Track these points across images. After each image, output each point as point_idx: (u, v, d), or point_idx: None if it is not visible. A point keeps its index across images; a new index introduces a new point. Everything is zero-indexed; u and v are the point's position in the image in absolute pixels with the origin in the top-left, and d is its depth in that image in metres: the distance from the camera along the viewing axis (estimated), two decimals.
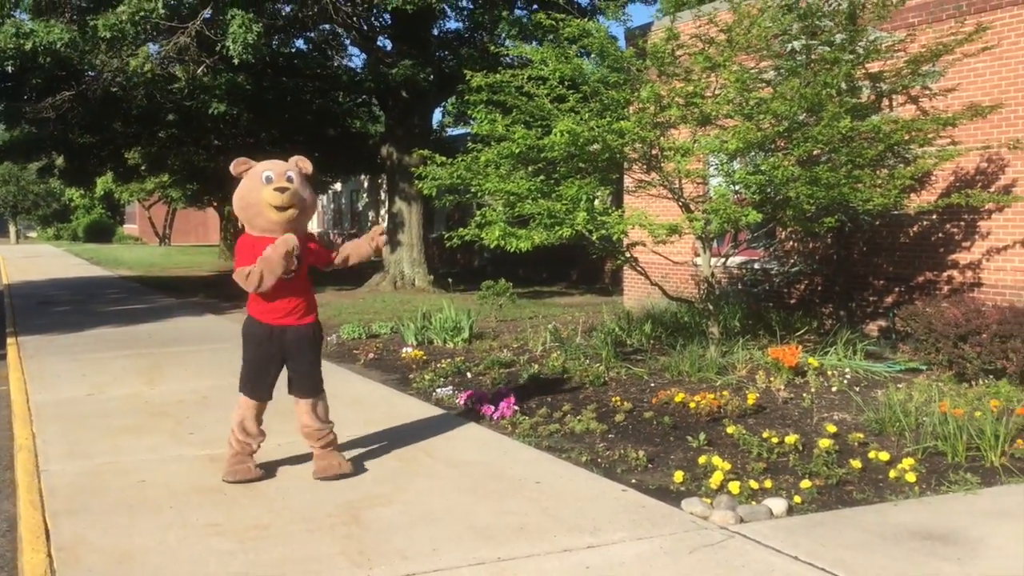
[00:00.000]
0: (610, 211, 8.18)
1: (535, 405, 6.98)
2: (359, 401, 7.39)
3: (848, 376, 7.94)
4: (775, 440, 5.67)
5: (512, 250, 7.66)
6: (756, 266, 12.34)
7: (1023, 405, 6.33)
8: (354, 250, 5.50)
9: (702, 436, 5.90)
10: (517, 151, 7.84)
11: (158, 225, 55.59)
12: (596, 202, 7.93)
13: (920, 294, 10.32)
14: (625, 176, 9.90)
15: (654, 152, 8.53)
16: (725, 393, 6.90)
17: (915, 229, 10.72)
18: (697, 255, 11.94)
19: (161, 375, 8.82)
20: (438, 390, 7.72)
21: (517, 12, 18.30)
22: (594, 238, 7.88)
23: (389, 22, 19.29)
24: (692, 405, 6.62)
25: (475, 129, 8.38)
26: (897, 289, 10.94)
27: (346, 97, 22.20)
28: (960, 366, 7.75)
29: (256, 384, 5.16)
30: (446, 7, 17.97)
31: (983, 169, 10.01)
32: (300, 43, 20.70)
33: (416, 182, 9.29)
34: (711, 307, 9.00)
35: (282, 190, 4.92)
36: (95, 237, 58.34)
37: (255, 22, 13.09)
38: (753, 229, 9.28)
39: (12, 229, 66.77)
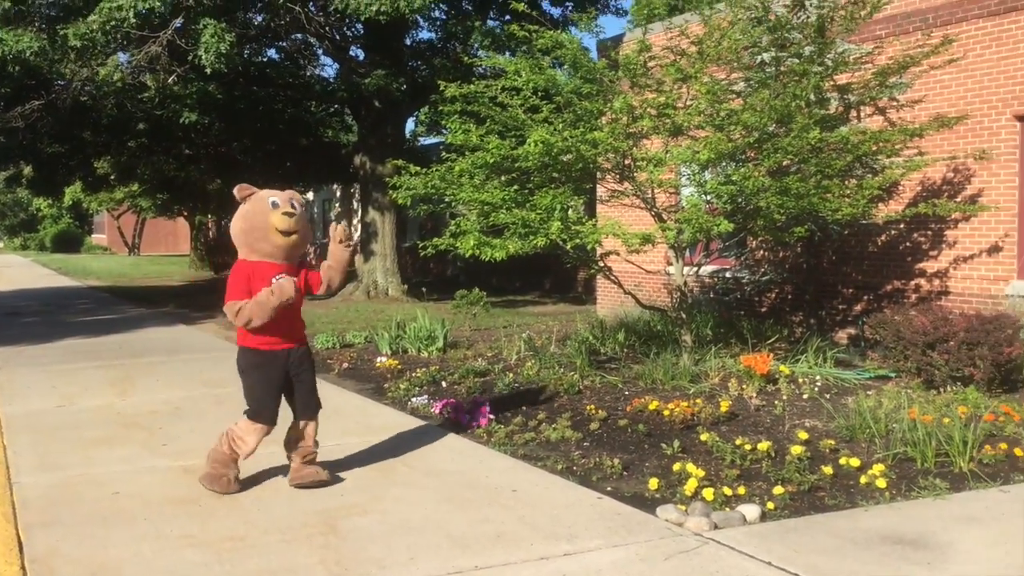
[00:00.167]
0: (584, 221, 8.23)
1: (510, 414, 7.01)
2: (335, 411, 7.35)
3: (819, 383, 8.04)
4: (748, 447, 5.74)
5: (487, 259, 7.69)
6: (727, 275, 12.45)
7: (991, 411, 6.44)
8: (333, 267, 5.36)
9: (676, 444, 5.95)
10: (491, 161, 7.88)
11: (127, 235, 55.13)
12: (570, 212, 7.97)
13: (888, 302, 10.47)
14: (598, 186, 9.97)
15: (627, 162, 8.60)
16: (698, 401, 6.96)
17: (883, 238, 10.87)
18: (670, 264, 12.04)
19: (132, 386, 8.76)
20: (413, 399, 7.73)
21: (490, 23, 18.38)
22: (568, 247, 7.93)
23: (361, 32, 19.30)
24: (666, 413, 6.68)
25: (449, 139, 8.41)
26: (866, 297, 11.09)
27: (318, 106, 22.17)
28: (928, 373, 7.87)
29: (266, 409, 5.13)
30: (419, 18, 18.02)
31: (949, 179, 10.18)
32: (272, 53, 20.70)
33: (390, 192, 9.30)
34: (684, 316, 9.07)
35: (290, 215, 5.00)
36: (63, 247, 57.70)
37: (227, 32, 13.06)
38: (725, 238, 9.36)
39: None
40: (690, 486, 5.04)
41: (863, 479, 5.25)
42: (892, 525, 4.57)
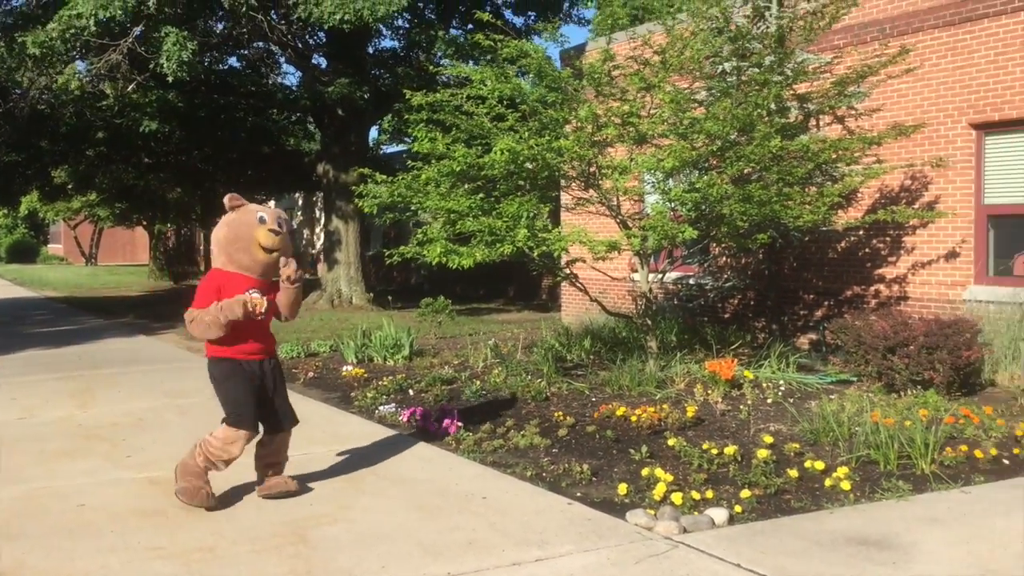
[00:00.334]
0: (550, 228, 8.28)
1: (478, 421, 7.01)
2: (302, 420, 7.15)
3: (782, 388, 8.14)
4: (715, 451, 5.80)
5: (455, 267, 7.71)
6: (691, 281, 12.57)
7: (951, 414, 6.56)
8: (281, 301, 5.20)
9: (644, 449, 6.00)
10: (458, 169, 7.90)
11: (84, 245, 54.34)
12: (537, 220, 8.02)
13: (849, 308, 10.63)
14: (563, 193, 10.02)
15: (592, 170, 8.67)
16: (665, 406, 7.01)
17: (843, 245, 11.04)
18: (634, 271, 12.12)
19: (93, 398, 8.64)
20: (381, 408, 7.71)
21: (452, 32, 18.43)
22: (535, 255, 7.97)
23: (324, 40, 19.25)
24: (633, 419, 6.72)
25: (416, 147, 8.41)
26: (827, 303, 11.25)
27: (281, 115, 22.06)
28: (889, 377, 8.00)
29: (249, 414, 5.01)
30: (381, 27, 18.00)
31: (907, 187, 10.36)
32: (233, 61, 20.57)
33: (356, 200, 9.28)
34: (649, 322, 9.14)
35: (276, 233, 4.97)
36: (18, 257, 56.73)
37: (189, 40, 12.96)
38: (688, 245, 9.47)
39: None
40: (659, 491, 5.08)
41: (828, 482, 5.33)
42: (857, 527, 4.64)
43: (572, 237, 7.81)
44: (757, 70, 9.14)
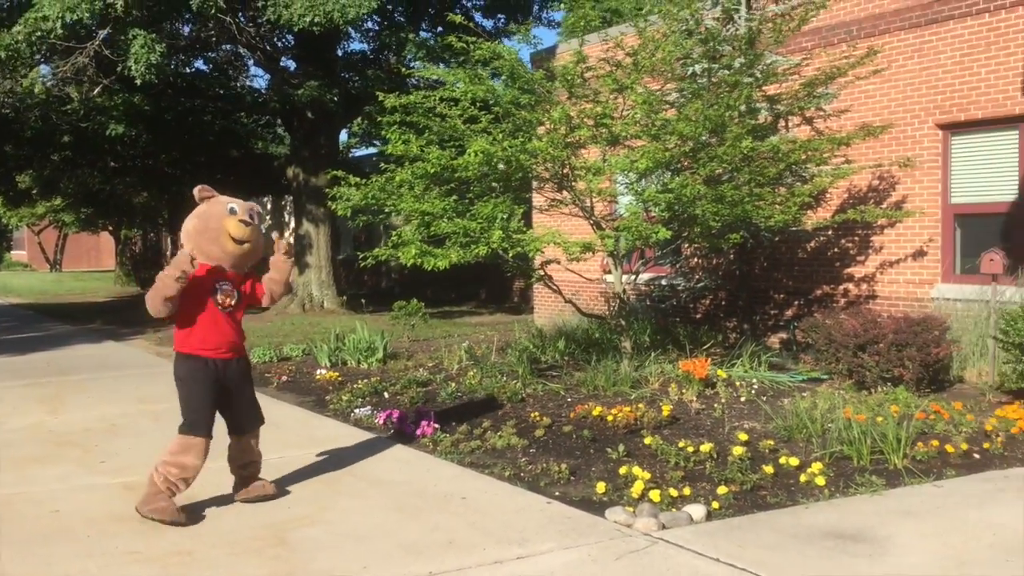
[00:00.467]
0: (524, 230, 8.30)
1: (455, 423, 7.01)
2: (276, 424, 7.25)
3: (755, 386, 8.21)
4: (691, 449, 5.84)
5: (430, 268, 7.71)
6: (663, 282, 12.64)
7: (921, 410, 6.65)
8: (275, 279, 5.30)
9: (621, 448, 6.03)
10: (432, 171, 7.90)
11: (48, 251, 53.63)
12: (512, 222, 8.03)
13: (818, 307, 10.74)
14: (536, 195, 10.05)
15: (565, 171, 8.70)
16: (640, 406, 7.05)
17: (812, 245, 11.16)
18: (607, 272, 12.17)
19: (63, 404, 8.54)
20: (356, 411, 7.69)
21: (422, 34, 18.42)
22: (510, 256, 7.99)
23: (292, 43, 19.17)
24: (610, 418, 6.76)
25: (390, 149, 8.40)
26: (797, 302, 11.36)
27: (249, 118, 21.92)
28: (859, 375, 8.10)
29: (204, 420, 4.91)
30: (351, 29, 17.95)
31: (875, 186, 10.50)
32: (200, 64, 20.42)
33: (330, 203, 9.25)
34: (623, 323, 9.19)
35: (246, 223, 4.92)
36: None
37: (158, 42, 12.85)
38: (661, 246, 9.53)
39: None
40: (637, 488, 5.11)
41: (803, 477, 5.39)
42: (832, 521, 4.69)
43: (546, 238, 7.83)
44: (727, 72, 9.23)
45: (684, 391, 7.79)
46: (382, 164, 9.18)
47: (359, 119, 22.61)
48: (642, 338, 9.98)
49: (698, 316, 12.38)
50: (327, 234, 19.42)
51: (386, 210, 8.59)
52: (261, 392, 8.80)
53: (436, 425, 6.77)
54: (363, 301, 17.85)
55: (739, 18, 9.82)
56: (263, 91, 20.25)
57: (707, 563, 4.10)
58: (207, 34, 16.81)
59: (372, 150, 32.34)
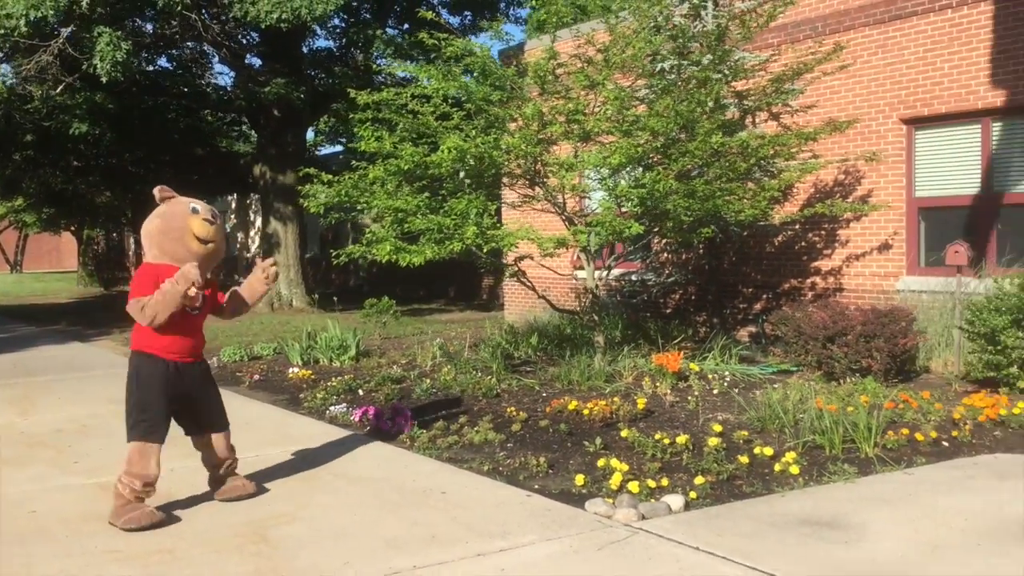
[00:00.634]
0: (498, 226, 8.33)
1: (431, 419, 7.03)
2: (250, 423, 7.26)
3: (727, 379, 8.31)
4: (667, 441, 5.90)
5: (405, 264, 7.71)
6: (634, 278, 12.72)
7: (891, 400, 6.76)
8: (245, 300, 5.26)
9: (598, 441, 6.08)
10: (406, 168, 7.90)
11: (8, 252, 52.81)
12: (485, 218, 8.06)
13: (787, 300, 10.87)
14: (507, 191, 10.08)
15: (537, 167, 8.74)
16: (616, 399, 7.11)
17: (780, 239, 11.29)
18: (578, 268, 12.24)
19: (33, 405, 8.45)
20: (331, 408, 7.68)
21: (389, 31, 18.38)
22: (484, 252, 8.01)
23: (257, 40, 19.04)
24: (585, 412, 6.81)
25: (363, 147, 8.38)
26: (765, 296, 11.49)
27: (215, 116, 21.74)
28: (829, 366, 8.22)
29: (161, 425, 4.85)
30: (316, 26, 17.87)
31: (841, 181, 10.64)
32: (163, 61, 20.23)
33: (302, 200, 9.21)
34: (596, 318, 9.25)
35: (210, 222, 4.87)
36: None
37: (123, 40, 12.71)
38: (632, 242, 9.59)
39: None
40: (615, 480, 5.17)
41: (777, 467, 5.47)
42: (808, 508, 4.77)
43: (520, 234, 7.86)
44: (695, 68, 9.31)
45: (658, 384, 7.86)
46: (353, 162, 9.17)
47: (326, 117, 22.50)
48: (614, 333, 10.05)
49: (668, 311, 12.47)
50: (295, 232, 19.33)
51: (359, 207, 8.58)
52: (233, 391, 8.85)
53: (413, 421, 6.79)
54: (336, 299, 17.77)
55: (706, 15, 9.90)
56: (229, 89, 20.09)
57: (688, 551, 4.15)
58: (171, 31, 16.63)
59: (338, 148, 32.21)
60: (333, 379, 8.91)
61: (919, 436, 6.01)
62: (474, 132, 8.21)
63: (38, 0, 11.91)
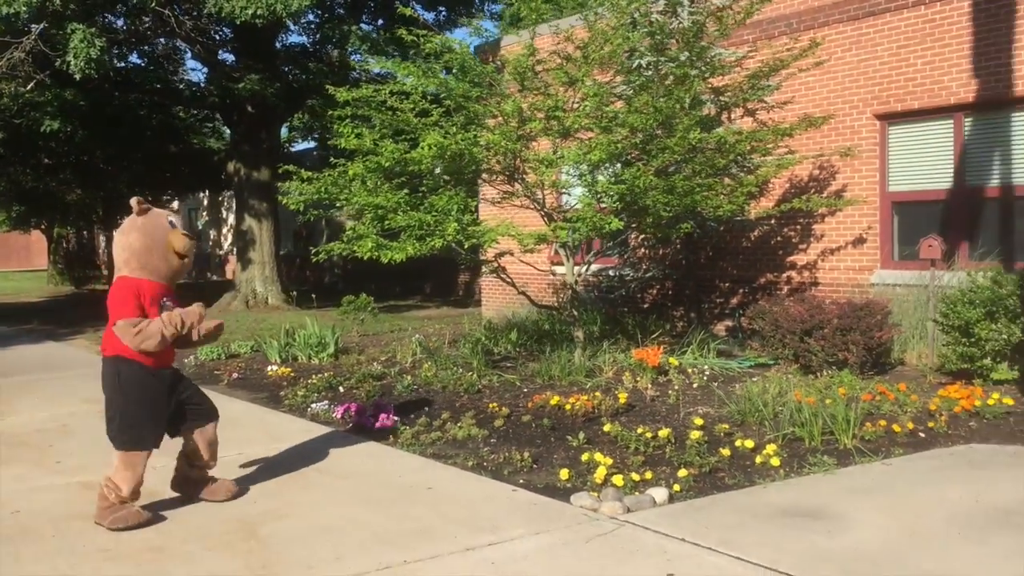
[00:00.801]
0: (478, 222, 8.36)
1: (414, 415, 7.06)
2: (232, 421, 7.22)
3: (707, 373, 8.39)
4: (649, 435, 5.96)
5: (387, 261, 7.72)
6: (611, 273, 12.78)
7: (868, 392, 6.87)
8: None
9: (581, 435, 6.14)
10: (386, 164, 7.91)
11: None
12: (466, 214, 8.09)
13: (763, 294, 10.98)
14: (487, 187, 10.11)
15: (517, 164, 8.77)
16: (597, 394, 7.17)
17: (756, 234, 11.39)
18: (556, 264, 12.29)
19: (11, 405, 8.38)
20: (313, 405, 7.68)
21: (364, 27, 18.33)
22: (465, 248, 8.04)
23: (230, 36, 18.93)
24: (568, 407, 6.86)
25: (343, 143, 8.37)
26: (742, 291, 11.60)
27: (188, 112, 21.58)
28: (806, 359, 8.32)
29: (150, 434, 4.83)
30: (290, 22, 17.79)
31: (816, 176, 10.76)
32: (135, 57, 20.06)
33: (281, 197, 9.19)
34: (575, 313, 9.30)
35: (189, 237, 4.88)
36: None
37: (97, 36, 12.60)
38: (611, 237, 9.66)
39: None
40: (600, 474, 5.22)
41: (758, 459, 5.55)
42: (790, 499, 4.85)
43: (501, 230, 7.90)
44: (672, 64, 9.38)
45: (638, 379, 7.93)
46: (332, 158, 9.16)
47: (300, 113, 22.42)
48: (592, 328, 10.11)
49: (646, 306, 12.56)
50: (270, 229, 19.24)
51: (338, 204, 8.57)
52: (212, 389, 8.80)
53: (395, 418, 6.81)
54: (313, 296, 17.73)
55: (682, 11, 9.97)
56: (202, 85, 19.94)
57: (674, 543, 4.21)
58: (143, 27, 16.50)
59: (311, 144, 32.08)
60: (313, 376, 8.90)
61: (896, 427, 6.11)
62: (454, 129, 8.23)
63: None
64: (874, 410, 6.60)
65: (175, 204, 36.92)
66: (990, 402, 6.61)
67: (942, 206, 9.97)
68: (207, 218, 36.32)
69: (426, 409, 7.33)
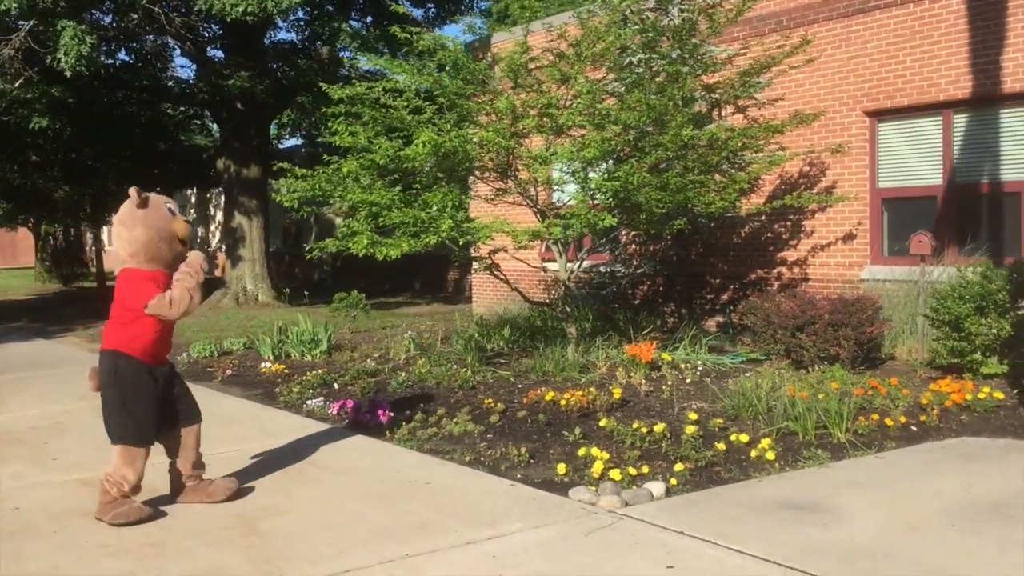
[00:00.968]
0: (472, 219, 8.39)
1: (409, 411, 7.08)
2: (228, 418, 7.26)
3: (700, 368, 8.44)
4: (645, 430, 6.01)
5: (382, 258, 7.74)
6: (602, 269, 12.84)
7: (860, 386, 6.93)
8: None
9: (577, 430, 6.18)
10: (381, 162, 7.93)
11: None
12: (460, 212, 8.12)
13: (753, 290, 11.05)
14: (479, 184, 10.13)
15: (510, 161, 8.80)
16: (592, 390, 7.21)
17: (747, 230, 11.46)
18: (546, 260, 12.33)
19: (5, 403, 8.37)
20: (308, 402, 7.69)
21: (353, 24, 18.31)
22: (460, 244, 8.07)
23: (219, 32, 18.88)
24: (563, 403, 6.90)
25: (337, 141, 8.38)
26: (732, 287, 11.66)
27: (177, 109, 21.51)
28: (797, 354, 8.38)
29: (150, 428, 4.83)
30: (278, 20, 17.78)
31: (806, 172, 10.83)
32: (123, 55, 19.98)
33: (274, 194, 9.20)
34: (568, 309, 9.34)
35: (188, 223, 4.91)
36: None
37: (88, 33, 12.55)
38: (603, 234, 9.70)
39: None
40: (596, 468, 5.26)
41: (753, 453, 5.60)
42: (785, 493, 4.90)
43: (495, 227, 7.93)
44: (664, 62, 9.41)
45: (632, 375, 7.97)
46: (325, 155, 9.17)
47: (289, 110, 22.37)
48: (584, 324, 10.15)
49: (637, 301, 12.61)
50: (260, 227, 19.20)
51: (332, 202, 8.59)
52: (206, 387, 8.83)
53: (391, 414, 6.83)
54: (306, 293, 17.71)
55: (673, 8, 10.00)
56: (191, 82, 19.88)
57: (673, 536, 4.26)
58: (132, 24, 16.44)
59: (298, 141, 32.03)
60: (307, 373, 8.91)
61: (889, 421, 6.17)
62: (448, 126, 8.25)
63: None
64: (866, 404, 6.66)
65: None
66: (981, 396, 6.69)
67: (931, 202, 10.05)
68: (195, 216, 36.18)
69: (421, 405, 7.36)
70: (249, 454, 6.04)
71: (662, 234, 9.94)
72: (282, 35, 54.33)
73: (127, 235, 4.82)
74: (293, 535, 4.42)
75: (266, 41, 19.46)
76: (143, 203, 4.84)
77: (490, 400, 7.26)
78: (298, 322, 11.13)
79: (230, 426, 6.96)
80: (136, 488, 4.76)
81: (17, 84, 15.18)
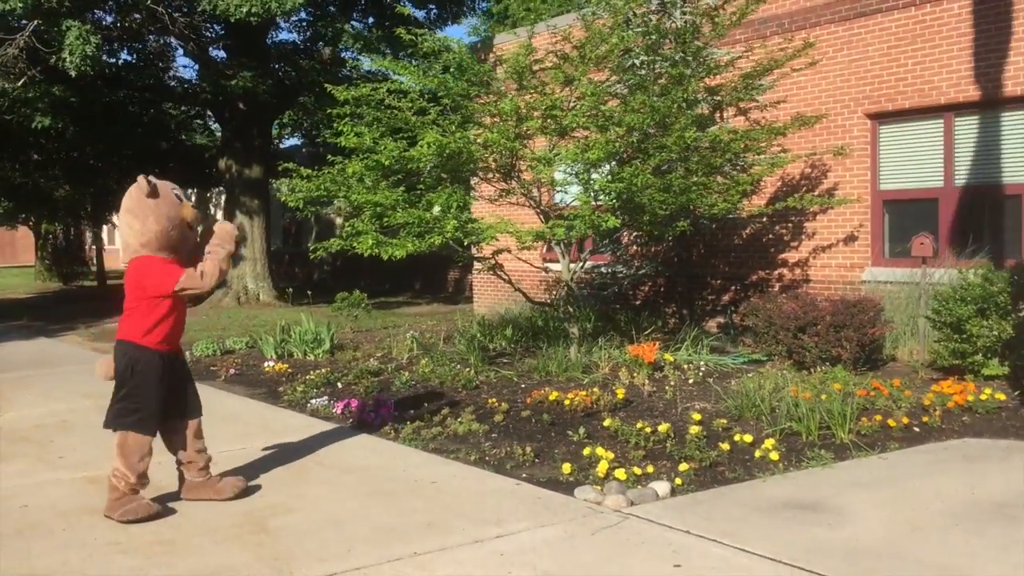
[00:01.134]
0: (476, 220, 8.42)
1: (413, 410, 7.12)
2: (232, 417, 7.30)
3: (702, 369, 8.48)
4: (649, 430, 6.04)
5: (387, 257, 7.77)
6: (604, 270, 12.86)
7: (862, 387, 6.97)
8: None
9: (581, 430, 6.21)
10: (386, 162, 7.96)
11: None
12: (464, 212, 8.15)
13: (754, 291, 11.08)
14: (483, 185, 10.17)
15: (513, 162, 8.84)
16: (595, 390, 7.24)
17: (748, 231, 11.49)
18: (548, 261, 12.36)
19: (8, 401, 8.40)
20: (312, 401, 7.73)
21: (355, 25, 18.34)
22: (465, 244, 8.10)
23: (221, 33, 18.91)
24: (567, 402, 6.93)
25: (343, 142, 8.42)
26: (733, 288, 11.70)
27: (178, 109, 21.53)
28: (799, 355, 8.42)
29: (156, 417, 4.86)
30: (280, 21, 17.81)
31: (808, 174, 10.86)
32: (125, 54, 20.01)
33: (279, 195, 9.24)
34: (571, 309, 9.37)
35: (194, 207, 4.95)
36: None
37: (93, 33, 12.58)
38: (604, 235, 9.73)
39: None
40: (602, 468, 5.30)
41: (757, 453, 5.64)
42: (789, 493, 4.94)
43: (499, 228, 7.96)
44: (667, 64, 9.45)
45: (635, 375, 8.01)
46: (329, 156, 9.20)
47: (292, 110, 22.40)
48: (586, 325, 10.18)
49: (638, 302, 12.65)
50: (262, 226, 19.24)
51: (336, 202, 8.62)
52: (209, 385, 8.86)
53: (396, 413, 6.87)
54: (308, 293, 17.74)
55: (675, 11, 10.04)
56: (194, 82, 19.90)
57: (679, 535, 4.29)
58: (136, 24, 16.47)
59: (297, 141, 32.07)
60: (311, 372, 8.94)
61: (891, 422, 6.21)
62: (452, 127, 8.29)
63: None
64: (869, 405, 6.70)
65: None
66: (983, 397, 6.72)
67: (933, 205, 10.08)
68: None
69: (425, 405, 7.39)
70: (254, 453, 6.08)
71: (664, 235, 9.98)
72: (284, 35, 54.34)
73: (139, 226, 4.80)
74: (301, 533, 4.45)
75: (269, 41, 19.51)
76: (153, 192, 4.82)
77: (494, 400, 7.30)
78: (300, 321, 11.17)
79: (235, 425, 6.99)
80: (143, 478, 4.77)
81: (20, 83, 15.21)
